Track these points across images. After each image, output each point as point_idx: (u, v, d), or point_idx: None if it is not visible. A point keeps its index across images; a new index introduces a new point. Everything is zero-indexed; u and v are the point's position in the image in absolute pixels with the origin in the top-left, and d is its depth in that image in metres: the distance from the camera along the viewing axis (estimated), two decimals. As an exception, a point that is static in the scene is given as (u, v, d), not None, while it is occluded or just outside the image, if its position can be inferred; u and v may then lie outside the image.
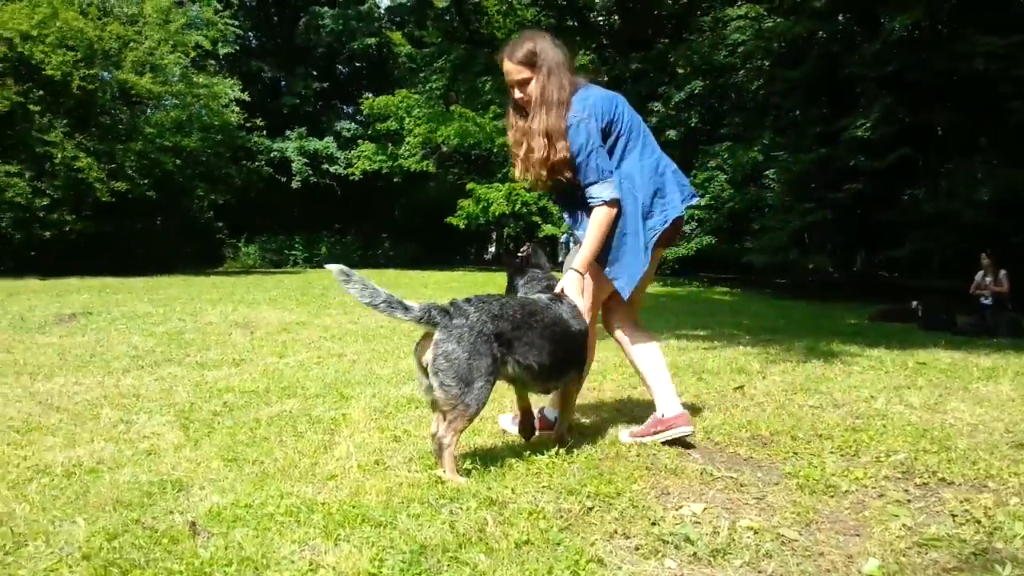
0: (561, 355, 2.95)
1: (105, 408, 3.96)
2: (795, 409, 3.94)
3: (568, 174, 3.13)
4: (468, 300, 2.82)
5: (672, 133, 21.16)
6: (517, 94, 3.18)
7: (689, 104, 21.10)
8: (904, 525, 2.34)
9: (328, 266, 2.72)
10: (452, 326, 2.67)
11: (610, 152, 3.16)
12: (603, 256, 3.17)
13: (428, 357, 2.67)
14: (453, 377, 2.64)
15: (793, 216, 16.13)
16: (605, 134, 3.13)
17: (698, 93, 20.56)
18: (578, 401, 4.11)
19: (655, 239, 3.22)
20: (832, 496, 2.63)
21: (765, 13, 18.27)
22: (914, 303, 9.88)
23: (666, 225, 3.23)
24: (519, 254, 3.34)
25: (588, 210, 3.13)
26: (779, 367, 5.42)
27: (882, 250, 16.64)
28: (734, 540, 2.23)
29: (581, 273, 3.12)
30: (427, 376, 2.69)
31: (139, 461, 3.02)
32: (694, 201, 3.42)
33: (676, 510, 2.47)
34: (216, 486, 2.68)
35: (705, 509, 2.48)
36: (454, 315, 2.70)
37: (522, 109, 3.21)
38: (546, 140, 3.08)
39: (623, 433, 3.35)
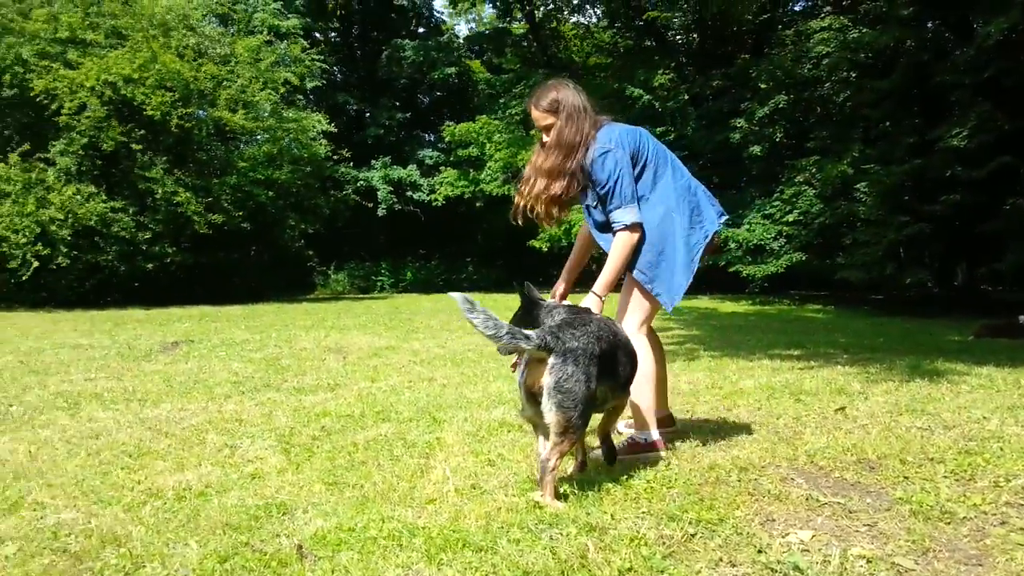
0: (630, 370, 3.06)
1: (210, 433, 4.11)
2: (902, 431, 3.77)
3: (552, 209, 3.41)
4: (567, 323, 2.84)
5: (756, 148, 20.78)
6: (544, 138, 3.42)
7: (773, 119, 20.69)
8: (1031, 555, 2.21)
9: (452, 295, 2.76)
10: (567, 350, 2.70)
11: (639, 179, 3.40)
12: (644, 274, 3.41)
13: (547, 381, 2.68)
14: (572, 400, 2.67)
15: (888, 230, 15.55)
16: (633, 164, 3.37)
17: (782, 107, 20.15)
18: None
19: (699, 255, 3.48)
20: (948, 523, 2.50)
21: (849, 24, 17.82)
22: (1021, 318, 9.37)
23: (707, 239, 3.51)
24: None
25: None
26: (881, 387, 5.20)
27: (984, 262, 15.86)
28: (846, 569, 2.15)
29: (600, 297, 3.33)
30: (534, 400, 2.73)
31: (244, 485, 3.11)
32: (724, 219, 3.66)
33: (783, 537, 2.39)
34: (319, 509, 2.74)
35: (813, 536, 2.40)
36: (566, 340, 2.72)
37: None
38: (547, 179, 3.35)
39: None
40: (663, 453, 3.40)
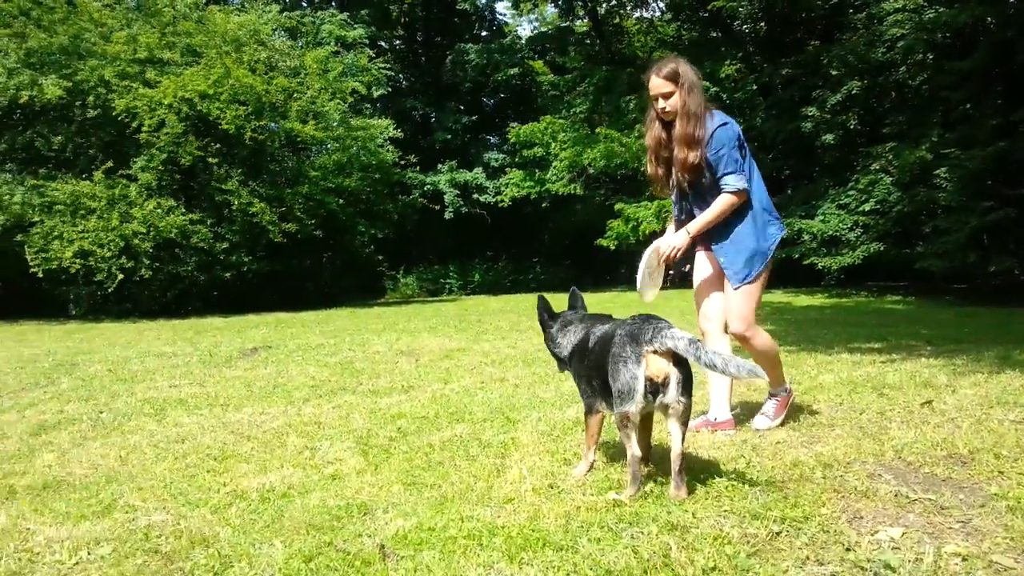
0: None
1: (291, 436, 4.20)
2: (994, 425, 3.61)
3: (691, 176, 3.76)
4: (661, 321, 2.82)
5: (829, 137, 20.22)
6: (660, 104, 3.74)
7: (846, 106, 20.07)
8: None
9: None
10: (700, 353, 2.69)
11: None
12: (730, 257, 3.81)
13: (679, 374, 2.71)
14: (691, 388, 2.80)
15: (970, 216, 14.92)
16: (741, 151, 3.74)
17: (855, 94, 19.54)
18: (749, 421, 3.99)
19: (774, 247, 3.84)
20: (1049, 520, 2.39)
21: (925, 4, 17.16)
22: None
23: (780, 236, 3.87)
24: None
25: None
26: (969, 379, 4.99)
27: (1076, 248, 15.11)
28: (940, 567, 2.07)
29: (691, 235, 3.76)
30: (657, 394, 2.70)
31: (325, 486, 3.17)
32: (784, 233, 3.99)
33: (872, 535, 2.32)
34: (399, 509, 2.77)
35: (904, 534, 2.32)
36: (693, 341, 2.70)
37: (662, 120, 3.81)
38: (686, 146, 3.68)
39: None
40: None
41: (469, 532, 2.46)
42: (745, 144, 3.78)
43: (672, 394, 2.69)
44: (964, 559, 2.12)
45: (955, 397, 4.40)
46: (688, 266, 4.13)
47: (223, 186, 18.72)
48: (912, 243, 17.82)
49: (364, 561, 2.28)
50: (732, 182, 3.65)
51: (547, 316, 3.48)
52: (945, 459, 3.07)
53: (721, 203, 3.69)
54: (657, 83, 3.70)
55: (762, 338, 3.91)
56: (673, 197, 3.99)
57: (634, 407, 2.69)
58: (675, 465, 2.74)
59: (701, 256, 4.03)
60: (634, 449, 2.75)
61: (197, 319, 16.55)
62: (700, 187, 3.80)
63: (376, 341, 9.50)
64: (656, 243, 3.90)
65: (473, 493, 2.93)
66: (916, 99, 18.85)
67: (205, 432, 4.43)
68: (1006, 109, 14.76)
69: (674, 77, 3.66)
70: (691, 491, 2.76)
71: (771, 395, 3.99)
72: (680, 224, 3.95)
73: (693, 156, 3.67)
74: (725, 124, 3.68)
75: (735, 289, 3.81)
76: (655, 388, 2.68)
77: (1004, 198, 14.41)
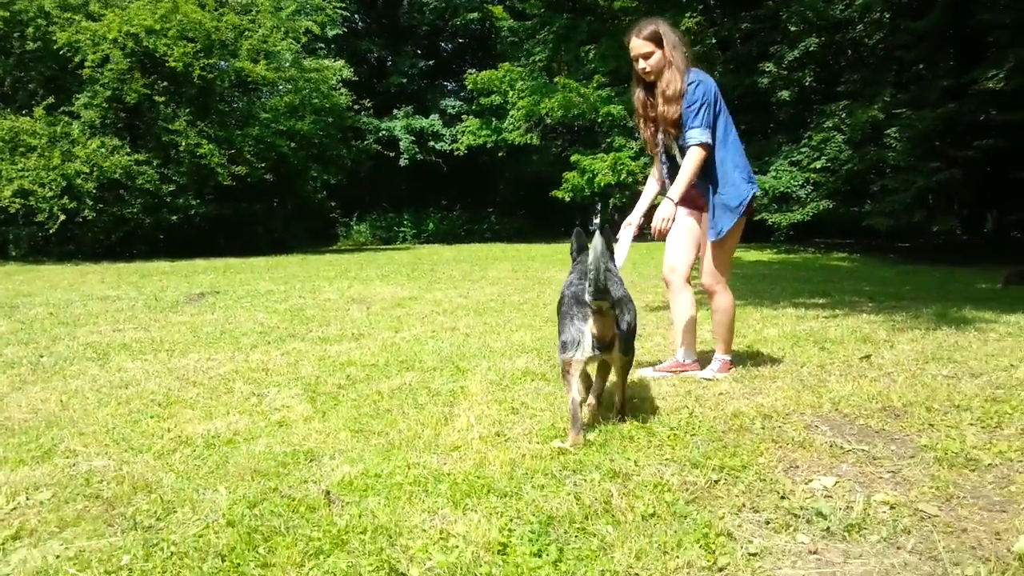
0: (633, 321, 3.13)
1: (237, 382, 4.17)
2: (928, 379, 3.74)
3: (676, 131, 3.83)
4: (609, 281, 2.91)
5: (785, 94, 20.32)
6: (640, 65, 3.82)
7: (803, 63, 20.16)
8: (1057, 502, 2.20)
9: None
10: (625, 304, 2.99)
11: (714, 126, 3.83)
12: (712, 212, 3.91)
13: (619, 330, 2.92)
14: (633, 339, 3.04)
15: (918, 176, 15.24)
16: (713, 108, 3.81)
17: (812, 51, 19.62)
18: (697, 372, 4.07)
19: (748, 202, 3.88)
20: (973, 470, 2.49)
21: (885, -38, 17.24)
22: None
23: (753, 194, 3.90)
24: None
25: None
26: (907, 335, 5.16)
27: (1015, 209, 15.53)
28: (869, 515, 2.15)
29: (674, 201, 3.78)
30: (598, 347, 2.88)
31: (272, 432, 3.16)
32: (757, 188, 4.04)
33: (806, 484, 2.40)
34: (345, 456, 2.78)
35: (837, 483, 2.40)
36: (622, 294, 3.02)
37: (643, 80, 3.90)
38: (668, 102, 3.78)
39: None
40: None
41: (415, 479, 2.48)
42: (720, 101, 3.85)
43: (617, 349, 2.94)
44: (892, 507, 2.20)
45: (893, 352, 4.54)
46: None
47: (170, 126, 18.19)
48: (860, 201, 18.15)
49: (309, 507, 2.29)
50: (693, 136, 3.73)
51: (574, 254, 3.56)
52: (879, 412, 3.18)
53: (690, 160, 3.75)
54: (637, 44, 3.79)
55: (724, 298, 4.03)
56: (660, 158, 4.06)
57: (579, 355, 2.88)
58: (618, 403, 3.13)
59: (680, 211, 4.05)
60: (573, 394, 2.88)
61: (143, 263, 16.20)
62: (678, 146, 3.89)
63: (327, 288, 9.42)
64: (629, 219, 3.93)
65: (420, 441, 2.95)
66: (871, 58, 19.02)
67: (149, 377, 4.36)
68: (958, 71, 14.99)
69: (654, 38, 3.76)
70: (633, 440, 2.89)
71: (717, 357, 4.11)
72: (664, 184, 4.07)
73: (673, 111, 3.77)
74: (697, 82, 3.76)
75: (710, 243, 3.95)
76: (602, 343, 2.88)
77: (951, 159, 14.73)
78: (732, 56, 23.02)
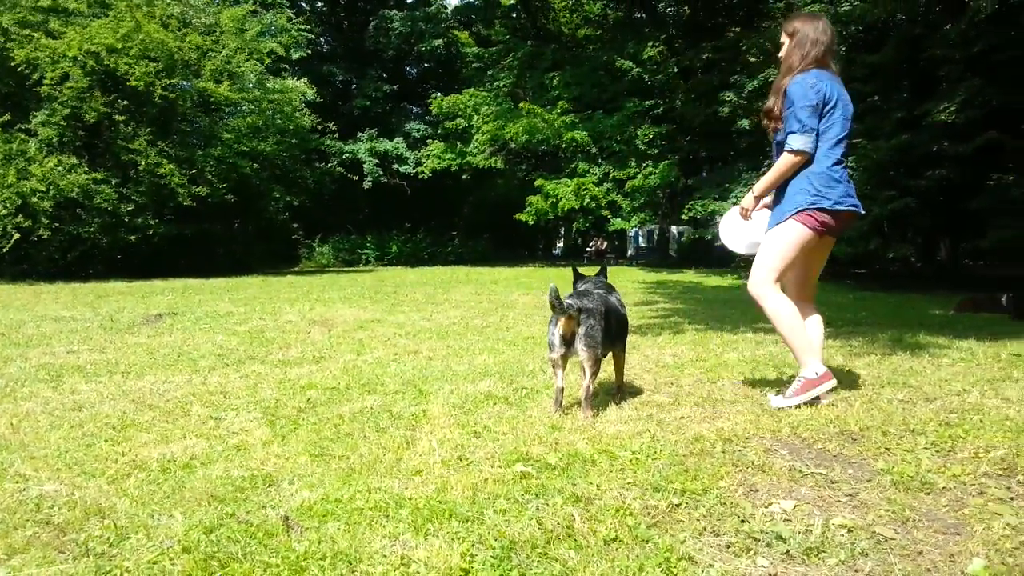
0: (620, 329, 3.99)
1: (195, 405, 4.09)
2: (884, 404, 3.80)
3: (772, 124, 3.82)
4: (581, 293, 3.87)
5: (745, 123, 20.75)
6: (780, 54, 3.90)
7: (763, 92, 20.58)
8: (1008, 524, 2.24)
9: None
10: (586, 309, 3.63)
11: (826, 132, 3.68)
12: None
13: (580, 330, 3.59)
14: (596, 341, 3.61)
15: (873, 204, 15.57)
16: (815, 110, 3.63)
17: (772, 81, 20.05)
18: (658, 396, 4.09)
19: (806, 206, 3.64)
20: (928, 493, 2.53)
21: (840, -4, 17.72)
22: (1003, 298, 9.43)
23: (821, 204, 3.63)
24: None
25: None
26: (864, 360, 5.25)
27: (967, 238, 15.93)
28: (827, 538, 2.17)
29: (755, 195, 3.81)
30: (567, 344, 3.60)
31: (230, 457, 3.10)
32: (849, 207, 3.75)
33: (766, 507, 2.41)
34: (305, 481, 2.74)
35: (796, 506, 2.42)
36: (584, 304, 3.64)
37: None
38: (773, 94, 3.81)
39: (774, 399, 3.82)
40: (834, 382, 3.76)
41: (376, 503, 2.45)
42: (832, 105, 3.66)
43: (577, 345, 3.58)
44: (849, 530, 2.23)
45: (849, 377, 4.61)
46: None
47: (130, 145, 17.98)
48: (818, 229, 18.45)
49: (267, 532, 2.25)
50: (791, 141, 3.62)
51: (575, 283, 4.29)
52: (837, 436, 3.22)
53: (780, 162, 3.68)
54: (782, 34, 3.88)
55: (773, 302, 3.75)
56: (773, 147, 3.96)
57: (554, 354, 3.63)
58: (583, 395, 3.63)
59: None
60: (558, 383, 3.70)
61: (99, 283, 15.90)
62: (777, 141, 3.82)
63: (288, 310, 9.33)
64: (744, 204, 3.94)
65: (381, 465, 2.92)
66: (829, 89, 19.45)
67: (104, 400, 4.27)
68: (911, 103, 15.41)
69: (791, 31, 3.80)
70: (596, 414, 3.62)
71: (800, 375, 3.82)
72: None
73: (770, 103, 3.79)
74: (801, 82, 3.64)
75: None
76: (567, 341, 3.59)
77: (905, 189, 15.09)
78: (694, 85, 23.44)
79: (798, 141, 3.59)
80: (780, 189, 3.78)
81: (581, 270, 4.45)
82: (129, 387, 4.64)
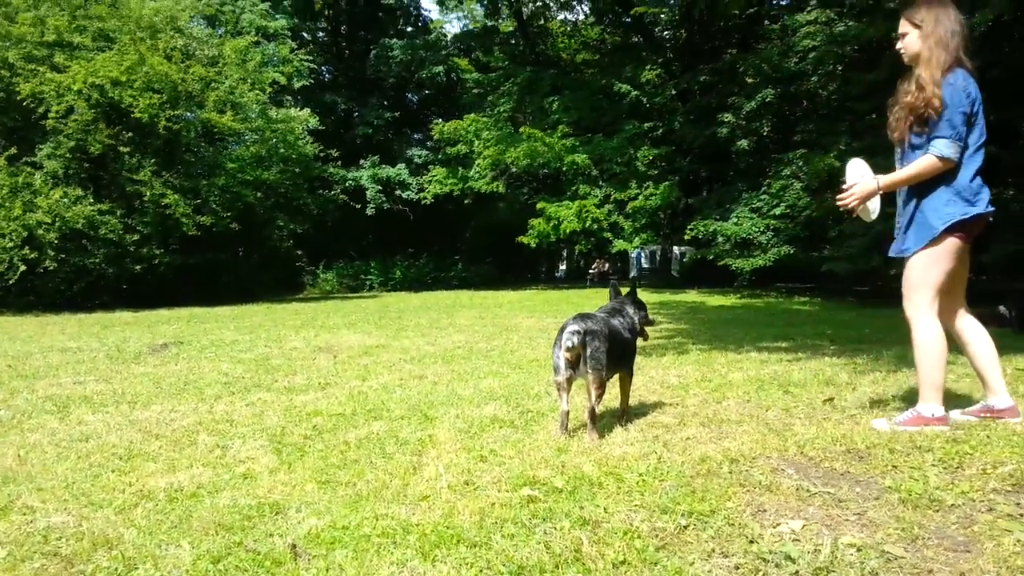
0: (623, 351, 3.98)
1: (201, 434, 4.10)
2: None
3: (918, 125, 3.51)
4: (584, 316, 3.82)
5: (743, 143, 20.85)
6: (898, 44, 3.69)
7: (760, 113, 20.76)
8: (1019, 540, 2.22)
9: None
10: (591, 331, 3.66)
11: (967, 138, 3.48)
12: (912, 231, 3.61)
13: (586, 352, 3.61)
14: (600, 363, 3.63)
15: (874, 221, 15.62)
16: (967, 118, 3.45)
17: (769, 102, 20.21)
18: (664, 417, 4.09)
19: (948, 225, 3.49)
20: (937, 511, 2.52)
21: (836, 17, 17.89)
22: (1002, 308, 9.42)
23: (962, 217, 3.49)
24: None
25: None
26: (869, 377, 5.24)
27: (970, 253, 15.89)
28: (837, 558, 2.16)
29: (880, 186, 3.64)
30: (571, 368, 3.63)
31: (237, 485, 3.11)
32: (980, 210, 3.56)
33: (774, 527, 2.41)
34: (312, 508, 2.74)
35: (804, 526, 2.41)
36: (589, 326, 3.68)
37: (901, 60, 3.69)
38: (916, 86, 3.49)
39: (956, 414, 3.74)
40: (947, 429, 3.52)
41: (383, 530, 2.45)
42: (979, 114, 3.50)
43: (583, 368, 3.61)
44: (859, 549, 2.22)
45: (855, 394, 4.60)
46: None
47: (135, 176, 18.11)
48: (820, 246, 18.53)
49: (275, 561, 2.25)
50: (940, 146, 3.42)
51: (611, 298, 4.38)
52: (844, 454, 3.21)
53: (921, 163, 3.47)
54: (902, 21, 3.65)
55: (923, 329, 3.63)
56: (896, 150, 3.77)
57: (560, 376, 3.65)
58: (588, 417, 3.65)
59: None
60: (564, 406, 3.70)
61: (105, 313, 15.94)
62: (911, 142, 3.59)
63: (293, 337, 9.34)
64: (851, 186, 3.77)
65: (388, 491, 2.92)
66: (825, 108, 19.64)
67: (111, 430, 4.27)
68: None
69: (913, 19, 3.58)
70: (602, 437, 3.64)
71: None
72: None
73: (911, 98, 3.49)
74: (955, 84, 3.43)
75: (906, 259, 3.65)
76: (572, 364, 3.61)
77: (905, 205, 15.08)
78: (692, 107, 23.59)
79: (951, 149, 3.41)
80: (912, 197, 3.62)
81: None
82: (136, 417, 4.65)
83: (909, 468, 2.98)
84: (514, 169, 26.49)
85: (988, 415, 3.70)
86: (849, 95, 17.44)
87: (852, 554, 2.19)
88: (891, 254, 3.74)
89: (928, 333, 3.61)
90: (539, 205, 25.56)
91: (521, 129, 25.57)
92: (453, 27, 37.36)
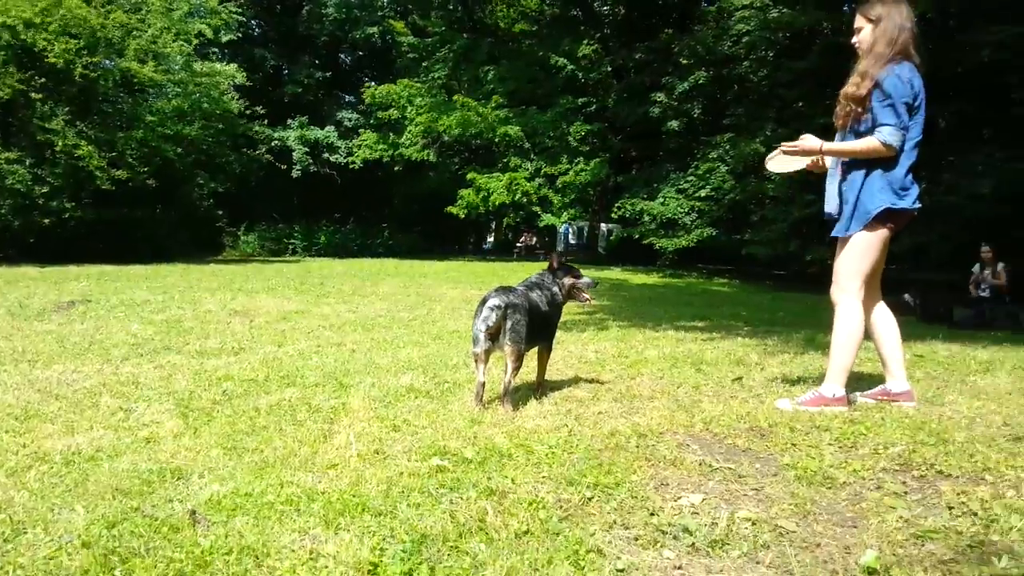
0: (546, 327, 4.10)
1: (104, 396, 3.97)
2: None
3: (860, 111, 3.64)
4: (505, 289, 3.88)
5: (674, 123, 21.12)
6: (854, 38, 3.78)
7: (692, 95, 21.05)
8: (901, 517, 2.34)
9: None
10: (512, 305, 3.74)
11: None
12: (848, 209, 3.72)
13: (506, 324, 3.69)
14: (519, 336, 3.72)
15: (793, 207, 16.09)
16: (910, 109, 3.57)
17: (701, 84, 20.50)
18: (579, 392, 4.14)
19: (878, 212, 3.61)
20: (830, 488, 2.63)
21: (770, 3, 18.20)
22: (906, 296, 9.87)
23: (893, 206, 3.61)
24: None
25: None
26: (777, 358, 5.42)
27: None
28: (732, 531, 2.24)
29: (820, 149, 3.80)
30: (489, 340, 3.70)
31: (138, 449, 3.03)
32: (907, 205, 3.67)
33: (675, 501, 2.47)
34: (216, 474, 2.69)
35: (704, 500, 2.49)
36: (511, 299, 3.75)
37: (855, 54, 3.79)
38: (859, 78, 3.62)
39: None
40: (846, 409, 3.66)
41: (287, 497, 2.42)
42: (920, 109, 3.60)
43: (502, 340, 3.69)
44: (753, 523, 2.30)
45: (763, 374, 4.75)
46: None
47: (46, 124, 17.24)
48: (741, 230, 18.99)
49: (172, 527, 2.20)
50: (885, 133, 3.52)
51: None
52: (747, 431, 3.32)
53: (865, 142, 3.58)
54: (857, 18, 3.75)
55: (847, 314, 3.74)
56: (836, 138, 3.87)
57: (478, 348, 3.72)
58: (503, 389, 3.74)
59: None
60: (480, 377, 3.77)
61: (9, 267, 15.21)
62: (854, 129, 3.71)
63: (209, 300, 9.11)
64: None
65: (296, 458, 2.88)
66: (755, 94, 20.00)
67: (8, 390, 4.10)
68: (834, 109, 15.90)
69: (872, 15, 3.67)
70: (516, 409, 3.68)
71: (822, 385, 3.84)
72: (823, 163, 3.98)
73: (853, 88, 3.63)
74: (899, 76, 3.53)
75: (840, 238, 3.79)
76: (492, 336, 3.68)
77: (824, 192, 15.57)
78: (626, 85, 23.73)
79: (894, 136, 3.52)
80: (850, 183, 3.74)
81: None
82: (35, 376, 4.48)
83: (807, 446, 3.09)
84: (446, 138, 26.21)
85: (885, 398, 3.87)
86: (779, 82, 17.82)
87: (747, 527, 2.27)
88: (834, 234, 3.84)
89: (851, 318, 3.73)
90: (469, 176, 25.43)
91: (455, 97, 25.30)
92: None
